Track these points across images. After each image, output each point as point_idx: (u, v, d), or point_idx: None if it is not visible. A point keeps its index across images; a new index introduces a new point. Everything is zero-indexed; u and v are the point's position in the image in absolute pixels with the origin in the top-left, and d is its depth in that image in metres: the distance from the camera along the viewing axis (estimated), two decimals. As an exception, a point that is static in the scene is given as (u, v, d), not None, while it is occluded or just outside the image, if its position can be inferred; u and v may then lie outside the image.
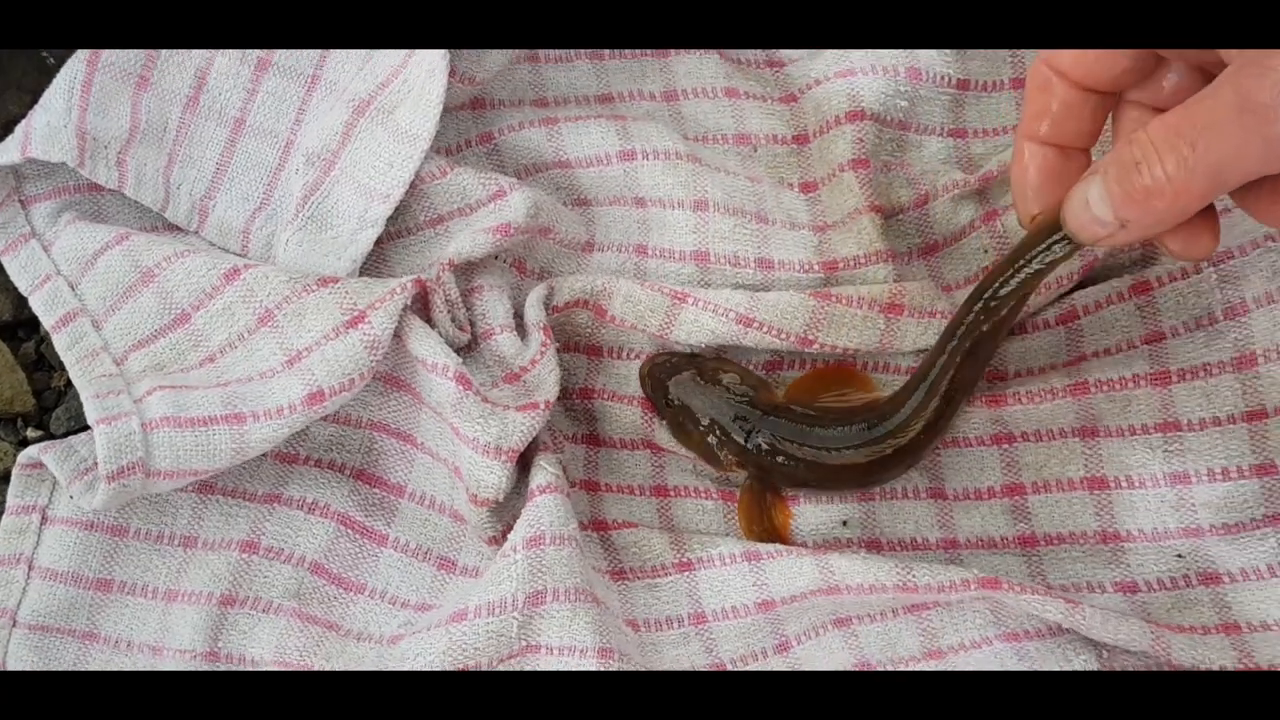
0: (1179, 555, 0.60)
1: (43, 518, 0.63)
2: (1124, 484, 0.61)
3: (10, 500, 0.63)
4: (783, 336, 0.64)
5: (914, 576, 0.58)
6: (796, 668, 0.62)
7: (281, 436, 0.58)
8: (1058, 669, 0.59)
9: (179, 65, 0.66)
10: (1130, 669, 0.59)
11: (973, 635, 0.60)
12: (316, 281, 0.60)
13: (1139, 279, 0.63)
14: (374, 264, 0.66)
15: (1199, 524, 0.60)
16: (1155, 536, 0.61)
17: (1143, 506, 0.61)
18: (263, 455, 0.62)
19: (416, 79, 0.63)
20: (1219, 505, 0.59)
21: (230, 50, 0.66)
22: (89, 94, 0.64)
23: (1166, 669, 0.58)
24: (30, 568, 0.62)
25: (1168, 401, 0.61)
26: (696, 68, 0.71)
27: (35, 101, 0.64)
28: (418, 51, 0.63)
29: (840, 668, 0.61)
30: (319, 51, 0.67)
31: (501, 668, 0.57)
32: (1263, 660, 0.57)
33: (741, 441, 0.63)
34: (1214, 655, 0.57)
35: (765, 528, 0.65)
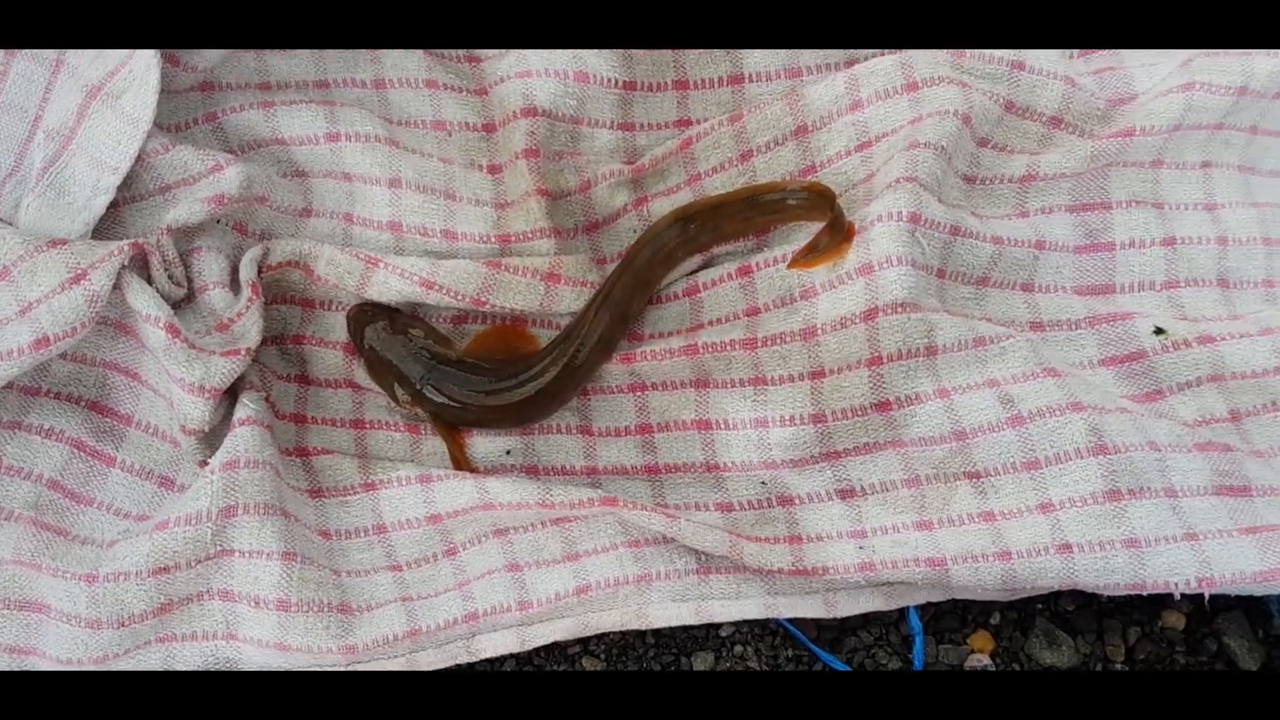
0: (763, 483, 0.76)
1: None
2: (723, 426, 0.76)
3: None
4: (459, 298, 0.76)
5: (551, 495, 0.72)
6: (461, 568, 0.76)
7: (11, 374, 0.69)
8: (665, 569, 0.74)
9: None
10: (720, 568, 0.74)
11: (603, 542, 0.75)
12: (47, 243, 0.71)
13: (744, 264, 0.77)
14: (111, 225, 0.76)
15: (774, 459, 0.75)
16: (744, 468, 0.76)
17: (736, 444, 0.76)
18: (7, 388, 0.73)
19: (139, 70, 0.73)
20: (788, 444, 0.74)
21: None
22: None
23: (742, 569, 0.73)
24: None
25: (757, 362, 0.75)
26: (402, 60, 0.82)
27: None
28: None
29: (495, 568, 0.75)
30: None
31: (199, 568, 0.71)
32: (809, 564, 0.72)
33: (416, 386, 0.76)
34: (775, 559, 0.72)
35: (453, 455, 0.78)
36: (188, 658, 0.72)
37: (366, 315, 0.77)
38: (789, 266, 0.74)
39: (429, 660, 0.74)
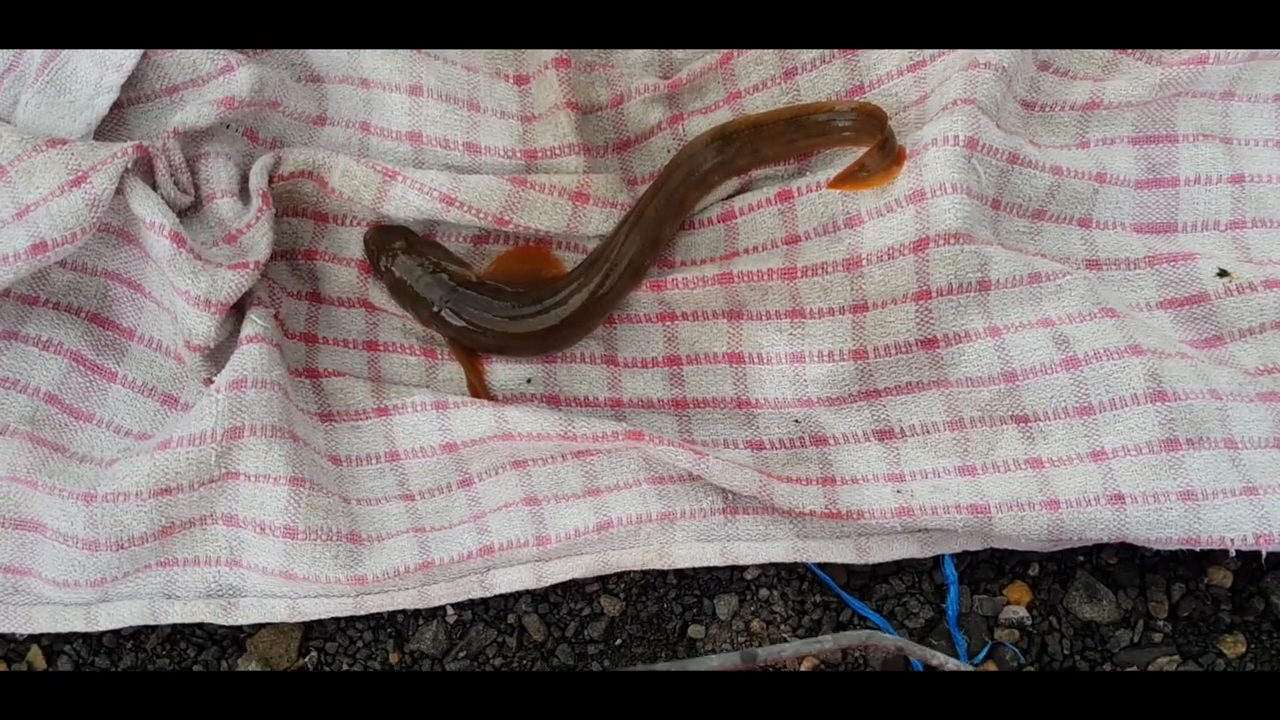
0: (796, 421, 0.72)
1: None
2: (756, 360, 0.72)
3: None
4: (481, 216, 0.72)
5: (573, 427, 0.69)
6: (477, 500, 0.72)
7: (7, 281, 0.65)
8: (690, 507, 0.70)
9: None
10: (748, 509, 0.70)
11: (626, 478, 0.71)
12: (46, 143, 0.66)
13: (784, 188, 0.73)
14: (113, 126, 0.72)
15: (810, 396, 0.71)
16: (778, 405, 0.72)
17: (769, 379, 0.72)
18: (3, 296, 0.69)
19: (146, -42, 0.68)
20: (825, 381, 0.70)
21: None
22: None
23: (771, 510, 0.70)
24: None
25: (795, 293, 0.71)
26: (426, -39, 0.77)
27: None
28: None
29: (512, 501, 0.71)
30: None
31: (203, 490, 0.67)
32: (843, 508, 0.69)
33: (435, 309, 0.72)
34: (807, 501, 0.69)
35: (470, 382, 0.74)
36: (189, 583, 0.70)
37: (385, 235, 0.73)
38: (830, 185, 0.70)
39: (441, 594, 0.71)
